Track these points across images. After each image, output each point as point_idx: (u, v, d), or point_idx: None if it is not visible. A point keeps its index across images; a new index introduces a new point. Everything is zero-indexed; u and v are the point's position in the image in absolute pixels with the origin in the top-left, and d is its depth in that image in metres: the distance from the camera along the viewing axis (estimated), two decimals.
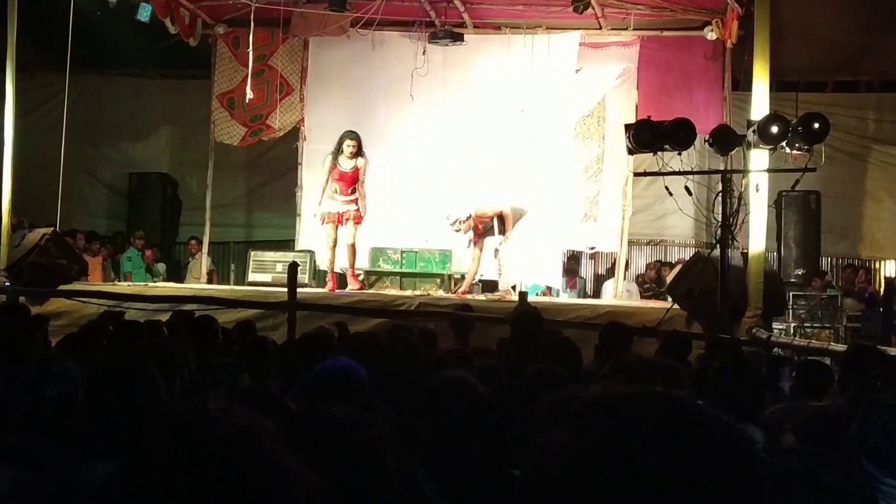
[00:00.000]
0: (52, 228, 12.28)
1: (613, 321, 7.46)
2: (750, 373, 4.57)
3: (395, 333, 6.84)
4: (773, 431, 4.30)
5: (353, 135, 12.48)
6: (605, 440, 1.23)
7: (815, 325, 12.42)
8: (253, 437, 1.35)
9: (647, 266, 16.09)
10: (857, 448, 1.78)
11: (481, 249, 12.67)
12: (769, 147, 10.17)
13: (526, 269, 13.91)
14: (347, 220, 12.58)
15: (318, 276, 14.07)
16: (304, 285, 12.74)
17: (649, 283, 15.52)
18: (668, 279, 12.02)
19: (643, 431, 1.22)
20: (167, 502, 1.27)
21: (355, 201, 12.58)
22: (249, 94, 14.24)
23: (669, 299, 11.11)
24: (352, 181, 12.51)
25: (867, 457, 1.71)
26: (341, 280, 13.14)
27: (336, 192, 12.51)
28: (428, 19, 14.45)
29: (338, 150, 12.46)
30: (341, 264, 13.03)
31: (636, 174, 13.60)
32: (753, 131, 10.09)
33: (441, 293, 12.69)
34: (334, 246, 12.74)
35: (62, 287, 11.56)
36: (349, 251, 12.76)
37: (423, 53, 14.35)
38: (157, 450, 1.33)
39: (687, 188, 10.53)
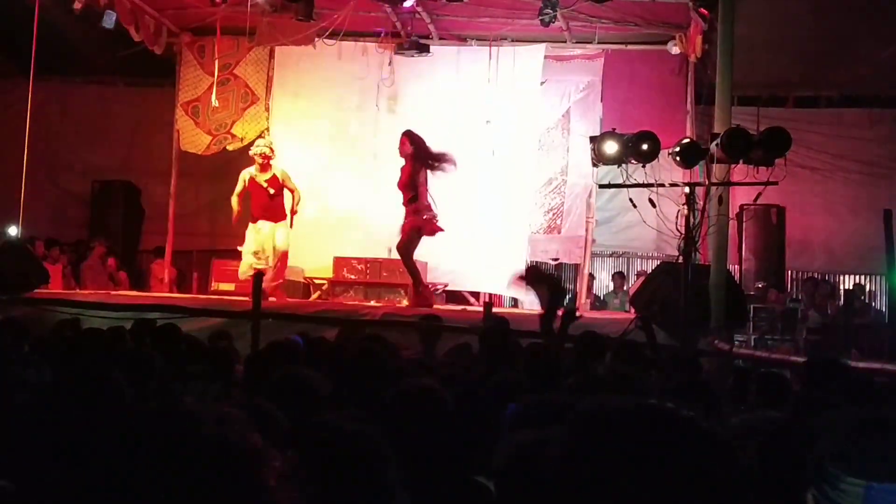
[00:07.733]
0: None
1: (588, 331, 7.47)
2: (706, 392, 4.63)
3: (361, 343, 6.84)
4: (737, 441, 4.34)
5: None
6: (601, 450, 1.27)
7: (775, 337, 12.52)
8: (229, 424, 1.37)
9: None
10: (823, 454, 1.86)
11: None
12: (732, 161, 10.27)
13: (489, 280, 13.96)
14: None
15: (284, 286, 14.01)
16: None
17: None
18: (631, 291, 12.09)
19: (640, 442, 1.27)
20: (147, 494, 1.29)
21: None
22: (215, 103, 14.21)
23: (632, 310, 11.19)
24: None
25: (832, 462, 1.81)
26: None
27: None
28: (394, 30, 14.49)
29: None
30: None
31: (601, 186, 13.66)
32: (717, 145, 10.18)
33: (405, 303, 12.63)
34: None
35: (23, 295, 11.46)
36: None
37: (389, 64, 14.40)
38: (133, 445, 1.35)
39: (651, 200, 10.60)
